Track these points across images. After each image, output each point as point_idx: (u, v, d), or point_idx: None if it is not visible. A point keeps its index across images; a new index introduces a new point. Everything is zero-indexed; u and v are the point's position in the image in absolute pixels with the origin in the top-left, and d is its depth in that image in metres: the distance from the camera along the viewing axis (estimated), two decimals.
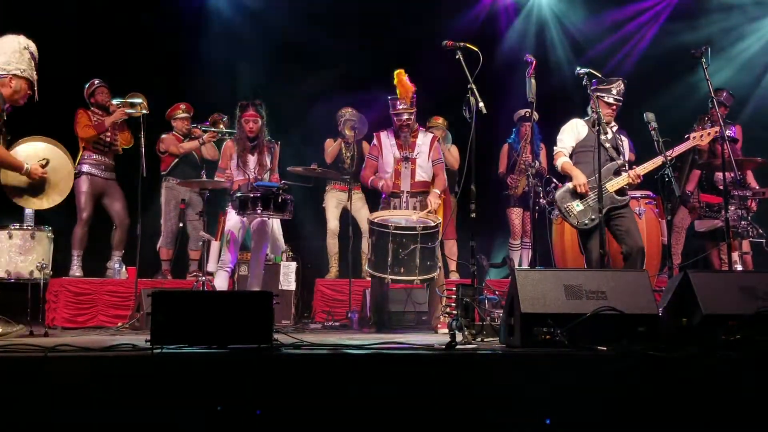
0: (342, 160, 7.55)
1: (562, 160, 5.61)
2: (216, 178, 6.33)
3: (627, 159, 5.73)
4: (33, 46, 4.98)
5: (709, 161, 6.93)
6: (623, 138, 5.76)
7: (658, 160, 5.46)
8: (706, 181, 7.26)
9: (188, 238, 7.58)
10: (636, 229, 5.50)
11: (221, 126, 7.32)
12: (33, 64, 4.95)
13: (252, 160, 6.31)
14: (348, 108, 7.68)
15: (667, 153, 5.40)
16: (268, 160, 6.34)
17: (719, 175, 6.73)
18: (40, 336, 4.95)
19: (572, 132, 5.66)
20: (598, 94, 5.50)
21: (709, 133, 5.60)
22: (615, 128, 5.66)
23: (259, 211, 5.98)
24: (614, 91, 5.53)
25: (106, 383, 3.10)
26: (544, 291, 3.71)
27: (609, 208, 5.34)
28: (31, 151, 5.14)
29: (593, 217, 5.34)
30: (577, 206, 5.46)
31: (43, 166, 5.07)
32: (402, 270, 5.39)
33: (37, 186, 5.11)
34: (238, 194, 6.03)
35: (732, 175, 5.98)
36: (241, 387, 3.09)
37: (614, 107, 5.57)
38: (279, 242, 6.53)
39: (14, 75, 4.85)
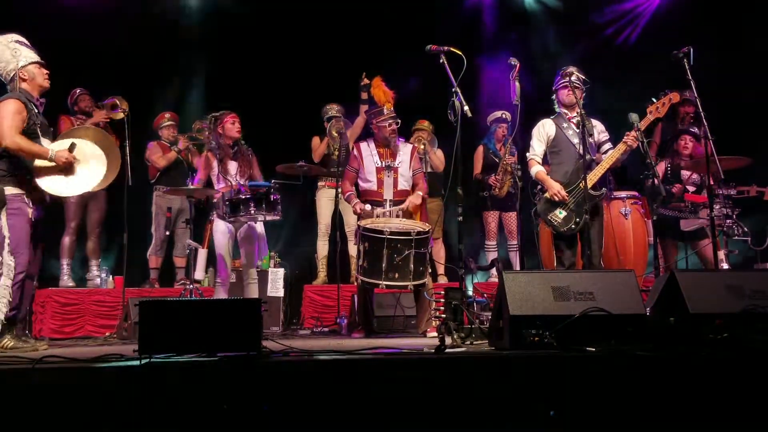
0: (331, 153, 7.48)
1: (536, 169, 5.67)
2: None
3: (601, 140, 5.76)
4: (15, 36, 4.93)
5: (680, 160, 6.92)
6: (594, 122, 5.73)
7: (621, 146, 5.49)
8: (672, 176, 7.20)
9: (173, 246, 7.56)
10: (599, 240, 5.59)
11: (205, 132, 7.31)
12: (27, 47, 4.91)
13: (233, 166, 6.30)
14: (333, 104, 7.64)
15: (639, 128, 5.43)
16: (247, 166, 6.34)
17: (685, 173, 6.80)
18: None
19: (541, 135, 5.71)
20: (562, 83, 5.64)
21: (663, 103, 5.56)
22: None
23: (252, 212, 6.00)
24: (573, 78, 5.60)
25: (95, 394, 3.08)
26: (532, 293, 3.71)
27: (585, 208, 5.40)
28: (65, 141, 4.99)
29: (578, 220, 5.44)
30: (560, 213, 5.52)
31: (70, 151, 4.82)
32: (396, 275, 5.38)
33: (69, 172, 4.85)
34: (227, 199, 6.02)
35: (700, 175, 5.97)
36: (229, 394, 3.08)
37: (579, 91, 5.61)
38: (264, 248, 6.52)
39: (21, 68, 4.83)
